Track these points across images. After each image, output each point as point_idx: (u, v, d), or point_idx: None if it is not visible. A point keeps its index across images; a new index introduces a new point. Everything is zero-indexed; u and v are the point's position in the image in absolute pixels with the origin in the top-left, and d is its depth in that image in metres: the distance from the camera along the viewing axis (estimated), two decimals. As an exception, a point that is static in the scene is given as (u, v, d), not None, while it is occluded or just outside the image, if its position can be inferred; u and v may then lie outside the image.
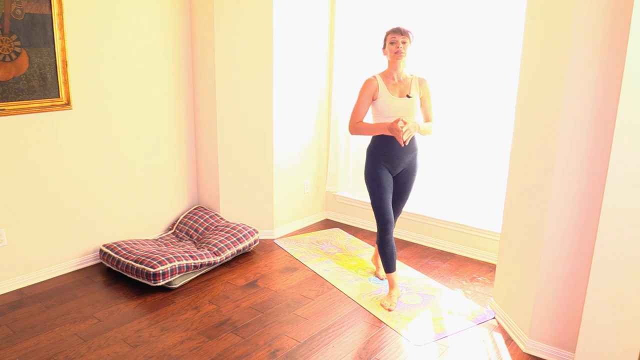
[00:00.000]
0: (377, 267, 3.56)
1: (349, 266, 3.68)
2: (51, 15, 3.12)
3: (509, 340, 2.81)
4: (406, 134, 2.89)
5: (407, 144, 2.98)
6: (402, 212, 4.13)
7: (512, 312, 2.88)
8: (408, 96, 3.03)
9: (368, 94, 3.03)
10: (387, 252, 3.14)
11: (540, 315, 2.63)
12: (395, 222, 3.29)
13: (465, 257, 3.89)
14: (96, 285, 3.34)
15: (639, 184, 2.12)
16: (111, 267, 3.44)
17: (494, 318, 3.03)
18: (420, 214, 4.11)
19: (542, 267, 2.58)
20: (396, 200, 3.24)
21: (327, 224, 4.58)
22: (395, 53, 2.97)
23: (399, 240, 4.18)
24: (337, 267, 3.66)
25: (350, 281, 3.45)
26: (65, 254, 3.47)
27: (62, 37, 3.18)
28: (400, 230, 4.24)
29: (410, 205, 4.15)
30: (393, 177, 3.16)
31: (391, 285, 3.18)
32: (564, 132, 2.39)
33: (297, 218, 4.43)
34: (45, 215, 3.33)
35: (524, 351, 2.71)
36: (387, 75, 3.07)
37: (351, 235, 4.28)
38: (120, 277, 3.43)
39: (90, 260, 3.61)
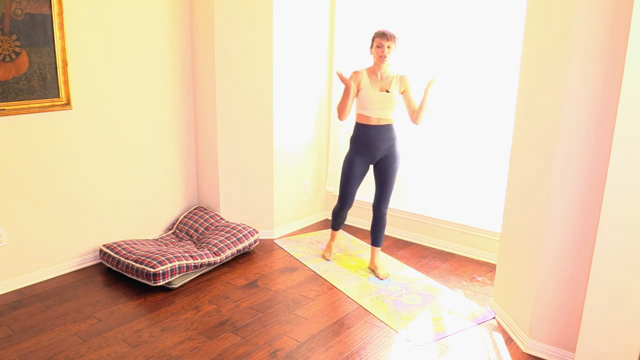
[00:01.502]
0: (376, 268, 3.56)
1: (349, 266, 3.68)
2: (51, 15, 3.12)
3: (509, 340, 2.81)
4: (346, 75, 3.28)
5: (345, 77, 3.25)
6: (401, 212, 4.16)
7: (512, 312, 2.88)
8: (387, 91, 3.31)
9: (355, 83, 3.30)
10: (339, 217, 3.67)
11: (540, 315, 2.63)
12: (386, 209, 3.52)
13: (465, 257, 3.89)
14: (96, 285, 3.34)
15: (639, 184, 2.12)
16: (111, 267, 3.44)
17: (494, 318, 3.03)
18: (420, 214, 4.10)
19: (542, 267, 2.58)
20: (381, 187, 3.46)
21: (327, 224, 4.57)
22: (380, 57, 3.25)
23: (398, 240, 4.18)
24: (337, 267, 3.66)
25: (350, 281, 3.45)
26: (65, 254, 3.47)
27: (62, 37, 3.18)
28: (400, 230, 4.24)
29: (410, 205, 4.16)
30: (375, 165, 3.43)
31: (332, 239, 3.79)
32: (564, 132, 2.39)
33: (297, 218, 4.43)
34: (45, 215, 3.33)
35: (524, 351, 2.71)
36: (372, 72, 3.35)
37: (351, 235, 4.28)
38: (120, 277, 3.43)
39: (90, 260, 3.61)
